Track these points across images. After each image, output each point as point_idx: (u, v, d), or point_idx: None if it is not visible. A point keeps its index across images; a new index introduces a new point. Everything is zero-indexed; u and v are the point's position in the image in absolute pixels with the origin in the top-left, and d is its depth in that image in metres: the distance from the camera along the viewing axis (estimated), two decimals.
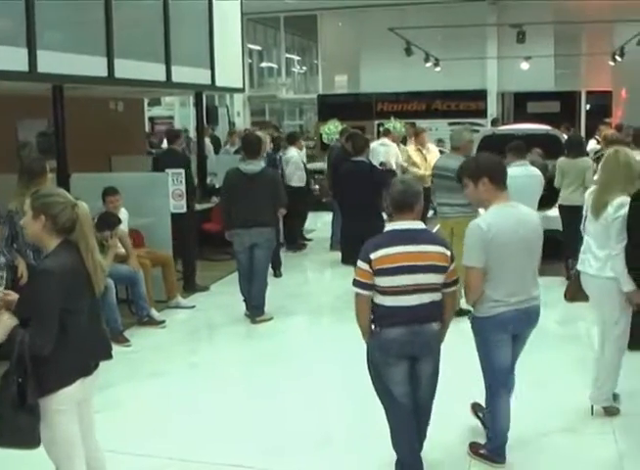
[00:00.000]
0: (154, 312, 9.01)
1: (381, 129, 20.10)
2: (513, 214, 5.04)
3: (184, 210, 10.13)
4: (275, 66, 28.42)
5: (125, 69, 9.70)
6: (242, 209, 8.88)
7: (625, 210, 5.60)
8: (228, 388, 7.12)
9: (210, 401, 6.69)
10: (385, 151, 14.37)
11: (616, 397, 6.08)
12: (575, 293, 6.35)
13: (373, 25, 23.81)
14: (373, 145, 14.81)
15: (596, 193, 5.92)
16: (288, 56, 28.00)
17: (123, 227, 8.72)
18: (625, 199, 5.64)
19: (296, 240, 13.91)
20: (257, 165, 9.02)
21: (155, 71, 10.57)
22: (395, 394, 4.88)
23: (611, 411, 5.98)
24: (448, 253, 4.81)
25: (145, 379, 7.27)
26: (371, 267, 4.71)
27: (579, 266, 6.04)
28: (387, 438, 5.12)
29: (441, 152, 14.06)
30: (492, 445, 5.35)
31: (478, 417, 5.75)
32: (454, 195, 8.08)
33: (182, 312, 9.57)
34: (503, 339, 5.08)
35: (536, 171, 8.75)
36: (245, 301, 9.29)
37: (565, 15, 23.14)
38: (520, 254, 4.99)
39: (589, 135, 18.45)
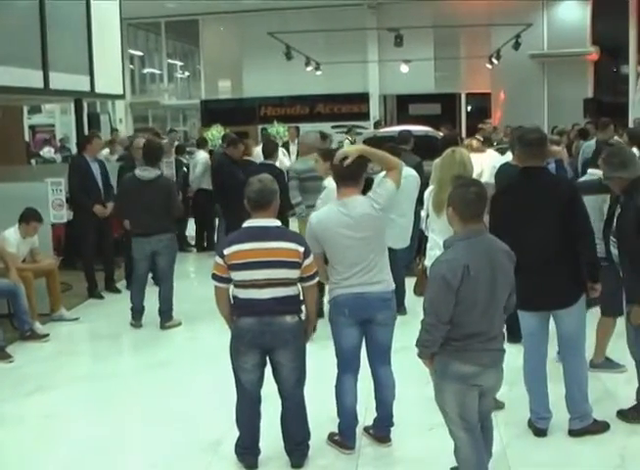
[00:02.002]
0: (37, 326, 8.76)
1: (264, 134, 20.20)
2: (340, 211, 5.28)
3: (64, 220, 10.00)
4: (157, 71, 28.16)
5: (0, 75, 9.43)
6: (140, 216, 8.87)
7: None
8: (115, 399, 6.96)
9: (98, 414, 6.55)
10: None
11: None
12: (424, 288, 6.55)
13: (254, 30, 23.85)
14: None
15: (435, 191, 6.30)
16: (170, 61, 27.82)
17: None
18: None
19: (212, 242, 13.86)
20: (152, 172, 8.96)
21: (31, 78, 10.30)
22: (242, 380, 5.23)
23: (497, 406, 6.11)
24: (301, 249, 5.07)
25: (29, 395, 7.05)
26: (225, 262, 5.03)
27: (427, 263, 6.28)
28: (279, 439, 5.31)
29: None
30: (341, 426, 5.53)
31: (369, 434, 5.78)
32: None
33: (67, 325, 9.31)
34: (343, 321, 5.37)
35: (411, 171, 8.85)
36: (132, 308, 9.13)
37: (443, 19, 23.72)
38: (354, 245, 5.26)
39: (471, 136, 18.94)
